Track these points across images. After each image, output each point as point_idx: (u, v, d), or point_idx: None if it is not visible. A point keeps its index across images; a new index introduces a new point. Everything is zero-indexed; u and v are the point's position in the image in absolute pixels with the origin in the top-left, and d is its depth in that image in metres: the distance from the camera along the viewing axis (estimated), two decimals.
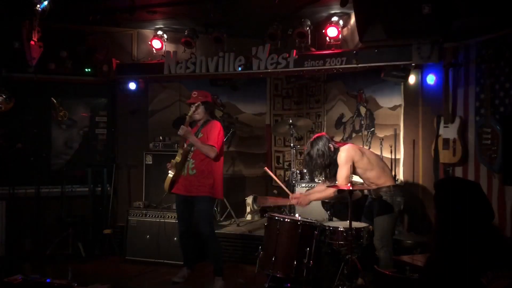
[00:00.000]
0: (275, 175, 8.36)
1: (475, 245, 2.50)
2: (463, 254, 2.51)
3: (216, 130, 5.61)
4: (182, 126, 5.55)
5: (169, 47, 7.48)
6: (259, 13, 6.75)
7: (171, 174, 5.67)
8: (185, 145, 5.68)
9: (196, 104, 5.66)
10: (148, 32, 7.72)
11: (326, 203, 6.15)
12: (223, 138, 5.72)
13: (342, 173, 5.00)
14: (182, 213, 5.78)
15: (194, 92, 5.86)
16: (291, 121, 7.18)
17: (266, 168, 6.19)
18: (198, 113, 5.72)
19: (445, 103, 5.54)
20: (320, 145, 5.17)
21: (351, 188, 4.92)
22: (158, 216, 6.69)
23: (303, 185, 6.68)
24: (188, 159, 5.64)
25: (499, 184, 4.90)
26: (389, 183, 5.08)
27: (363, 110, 7.15)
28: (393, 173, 6.02)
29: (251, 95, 8.38)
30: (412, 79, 6.12)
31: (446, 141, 5.45)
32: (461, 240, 2.53)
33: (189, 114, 5.62)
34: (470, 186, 2.69)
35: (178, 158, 5.62)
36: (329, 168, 5.21)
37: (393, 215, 5.04)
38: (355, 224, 5.02)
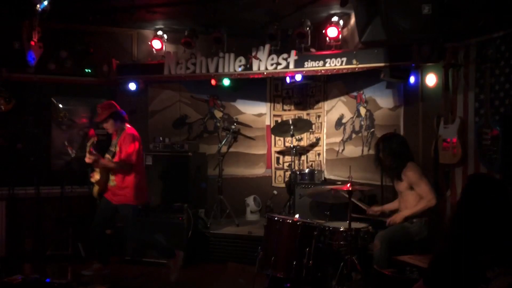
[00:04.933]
0: (275, 175, 8.41)
1: (488, 239, 2.56)
2: (475, 245, 2.56)
3: (128, 141, 5.76)
4: (88, 154, 5.71)
5: (169, 48, 7.50)
6: (259, 13, 6.75)
7: (96, 185, 5.93)
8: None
9: (105, 120, 5.84)
10: (148, 32, 7.73)
11: (325, 204, 6.14)
12: (137, 146, 5.82)
13: (427, 187, 5.00)
14: (103, 212, 5.98)
15: (98, 108, 5.95)
16: (291, 122, 7.22)
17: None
18: (108, 127, 5.89)
19: (445, 104, 5.53)
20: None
21: (350, 188, 4.94)
22: (157, 216, 6.68)
23: (303, 185, 6.67)
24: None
25: None
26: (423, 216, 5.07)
27: (363, 110, 7.14)
28: None
29: (251, 95, 8.37)
30: (412, 79, 6.12)
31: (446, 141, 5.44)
32: (477, 232, 2.58)
33: (89, 143, 5.77)
34: (503, 186, 2.77)
35: (97, 176, 5.87)
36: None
37: (408, 234, 5.05)
38: (355, 225, 5.02)
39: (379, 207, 5.50)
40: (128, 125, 5.97)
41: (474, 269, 2.52)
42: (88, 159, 5.73)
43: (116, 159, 5.80)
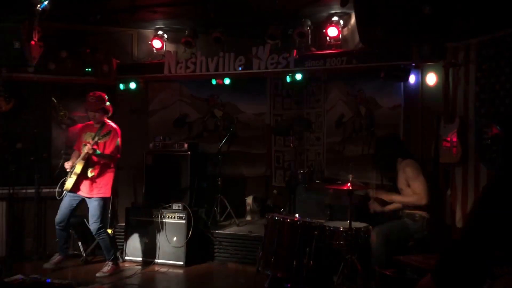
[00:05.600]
0: (275, 175, 8.40)
1: (503, 239, 2.55)
2: (488, 243, 2.56)
3: (116, 139, 6.00)
4: (90, 144, 5.77)
5: (169, 47, 7.50)
6: (260, 13, 6.75)
7: (73, 177, 5.88)
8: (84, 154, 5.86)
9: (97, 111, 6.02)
10: (149, 32, 7.72)
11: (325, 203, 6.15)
12: (121, 142, 6.08)
13: (422, 186, 5.03)
14: (70, 206, 6.02)
15: (91, 97, 6.03)
16: (291, 121, 7.24)
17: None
18: (97, 118, 6.04)
19: (445, 103, 5.53)
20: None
21: (350, 188, 4.94)
22: (157, 216, 6.69)
23: (303, 185, 6.66)
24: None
25: None
26: (425, 214, 5.10)
27: (363, 110, 7.14)
28: None
29: (251, 95, 8.37)
30: (412, 79, 6.11)
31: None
32: (493, 231, 2.58)
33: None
34: None
35: (80, 167, 5.87)
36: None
37: (408, 230, 5.07)
38: (355, 224, 5.02)
39: (379, 208, 5.44)
40: (109, 120, 6.14)
41: (482, 265, 2.52)
42: (90, 149, 5.75)
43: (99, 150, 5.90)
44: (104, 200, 6.05)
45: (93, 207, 5.99)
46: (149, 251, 6.64)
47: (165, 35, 7.50)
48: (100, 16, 6.84)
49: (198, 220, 6.88)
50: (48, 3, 5.81)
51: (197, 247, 6.68)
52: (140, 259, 6.65)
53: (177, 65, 7.08)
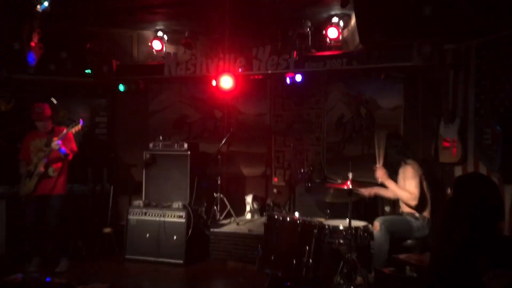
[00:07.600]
0: (275, 175, 8.41)
1: (481, 242, 2.55)
2: (468, 250, 2.55)
3: (71, 138, 6.18)
4: (54, 141, 5.86)
5: (169, 48, 7.50)
6: (260, 14, 6.76)
7: (35, 178, 5.97)
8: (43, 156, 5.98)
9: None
10: (149, 33, 7.73)
11: (324, 202, 6.15)
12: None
13: (416, 188, 5.11)
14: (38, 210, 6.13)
15: (38, 107, 6.05)
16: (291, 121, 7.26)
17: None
18: (46, 126, 6.10)
19: (445, 104, 5.55)
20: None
21: (351, 187, 4.96)
22: (157, 215, 6.70)
23: (303, 184, 6.67)
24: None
25: (499, 184, 4.91)
26: (426, 214, 5.17)
27: (363, 110, 7.15)
28: None
29: (251, 95, 8.37)
30: (411, 79, 6.13)
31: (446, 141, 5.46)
32: (469, 236, 2.57)
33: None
34: (492, 185, 2.76)
35: (42, 169, 5.96)
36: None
37: (410, 227, 5.11)
38: (354, 223, 5.03)
39: (385, 177, 5.45)
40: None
41: (470, 274, 2.52)
42: (56, 145, 5.84)
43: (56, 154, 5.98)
44: (63, 198, 6.16)
45: (54, 205, 6.08)
46: (149, 250, 6.64)
47: (165, 36, 7.51)
48: (100, 17, 6.86)
49: (198, 218, 6.90)
50: (48, 4, 5.83)
51: (197, 245, 6.70)
52: (140, 257, 6.65)
53: (177, 67, 7.09)
